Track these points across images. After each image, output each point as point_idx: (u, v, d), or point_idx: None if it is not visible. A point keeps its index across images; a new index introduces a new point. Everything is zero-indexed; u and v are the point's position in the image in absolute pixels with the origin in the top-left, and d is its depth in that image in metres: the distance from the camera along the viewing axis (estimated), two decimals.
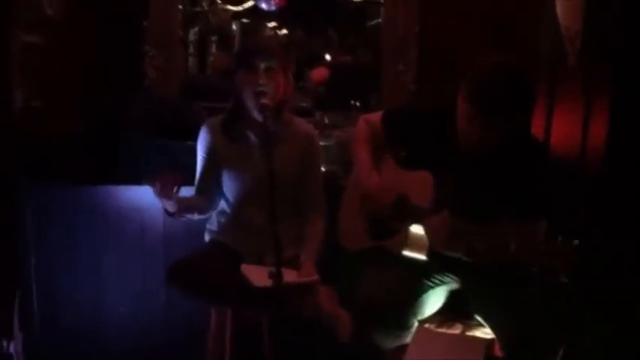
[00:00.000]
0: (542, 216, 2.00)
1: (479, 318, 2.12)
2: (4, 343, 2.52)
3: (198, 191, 2.40)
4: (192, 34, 4.08)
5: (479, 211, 1.99)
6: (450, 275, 2.19)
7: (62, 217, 2.64)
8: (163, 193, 2.11)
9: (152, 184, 2.09)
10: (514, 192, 2.01)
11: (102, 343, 2.70)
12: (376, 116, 2.34)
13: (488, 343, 2.04)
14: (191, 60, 4.09)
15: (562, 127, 2.66)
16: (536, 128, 2.75)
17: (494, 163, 2.05)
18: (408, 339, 2.07)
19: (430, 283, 2.17)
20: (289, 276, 1.83)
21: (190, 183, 2.39)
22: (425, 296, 2.14)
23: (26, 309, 2.63)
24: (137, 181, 2.60)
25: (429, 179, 2.10)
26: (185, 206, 2.28)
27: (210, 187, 2.40)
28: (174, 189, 2.11)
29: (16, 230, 2.61)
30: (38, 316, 2.66)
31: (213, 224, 2.45)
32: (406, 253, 2.12)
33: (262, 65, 2.20)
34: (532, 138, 2.22)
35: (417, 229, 2.11)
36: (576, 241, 1.79)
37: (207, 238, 2.46)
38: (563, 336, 1.96)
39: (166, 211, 2.26)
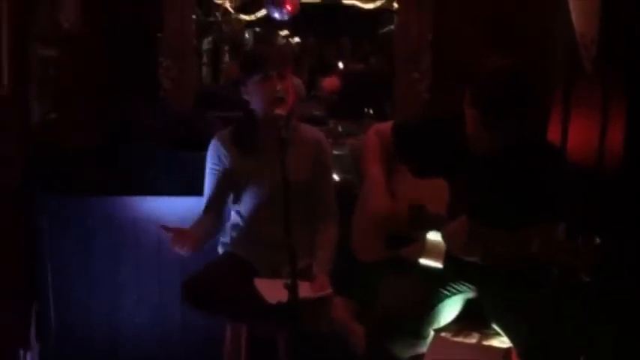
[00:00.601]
0: (558, 221, 1.98)
1: (495, 327, 2.10)
2: (21, 353, 2.53)
3: (208, 209, 2.37)
4: (206, 44, 4.12)
5: (495, 216, 1.97)
6: (466, 284, 2.18)
7: (78, 228, 2.66)
8: (179, 243, 2.16)
9: (170, 237, 2.14)
10: (529, 196, 2.00)
11: (117, 355, 2.70)
12: (387, 126, 2.33)
13: (505, 352, 2.02)
14: (205, 69, 4.13)
15: (579, 133, 2.64)
16: (553, 134, 2.73)
17: (507, 166, 2.04)
18: (424, 349, 2.05)
19: (446, 292, 2.15)
20: (303, 289, 1.82)
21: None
22: (441, 305, 2.12)
23: (43, 319, 2.65)
24: (153, 192, 2.62)
25: (444, 186, 2.09)
26: (200, 242, 2.27)
27: (219, 203, 2.38)
28: (190, 241, 2.17)
29: (32, 241, 2.63)
30: (55, 327, 2.68)
31: (226, 237, 2.44)
32: (423, 261, 2.11)
33: (274, 72, 2.20)
34: (547, 142, 2.23)
35: (434, 237, 2.10)
36: (597, 240, 1.76)
37: (220, 250, 2.45)
38: (583, 343, 1.94)
39: None
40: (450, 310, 2.15)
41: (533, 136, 2.11)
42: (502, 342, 2.08)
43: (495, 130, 1.96)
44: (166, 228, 2.14)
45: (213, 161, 2.36)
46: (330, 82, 4.72)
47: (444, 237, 2.03)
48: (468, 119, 2.01)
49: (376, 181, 2.23)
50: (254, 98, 2.25)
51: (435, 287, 2.13)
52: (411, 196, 2.18)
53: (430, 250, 2.11)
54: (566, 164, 2.18)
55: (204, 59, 4.42)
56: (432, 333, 2.09)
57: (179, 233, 2.16)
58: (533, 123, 2.21)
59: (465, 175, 2.06)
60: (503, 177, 2.05)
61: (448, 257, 2.09)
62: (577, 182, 2.22)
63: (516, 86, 1.92)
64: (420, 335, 2.06)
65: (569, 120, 2.70)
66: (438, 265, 2.11)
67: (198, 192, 2.40)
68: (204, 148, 2.42)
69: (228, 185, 2.36)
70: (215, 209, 2.38)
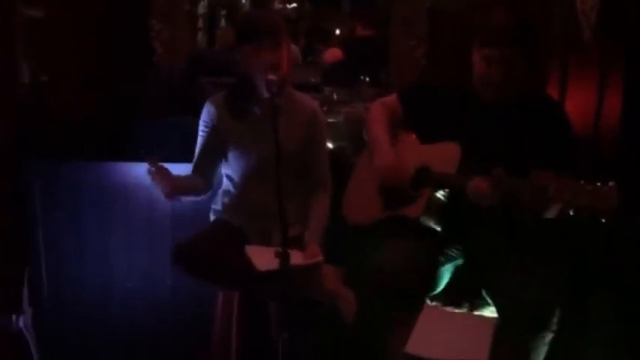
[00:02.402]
0: (567, 167, 1.98)
1: (484, 293, 2.11)
2: (14, 318, 2.53)
3: (196, 170, 2.37)
4: (202, 7, 4.04)
5: (507, 164, 1.96)
6: (459, 248, 2.18)
7: (69, 193, 2.64)
8: (158, 178, 2.12)
9: (150, 164, 2.10)
10: (537, 143, 2.05)
11: (110, 319, 2.71)
12: (391, 98, 2.34)
13: (496, 321, 2.02)
14: (200, 34, 4.05)
15: (576, 102, 2.62)
16: None
17: (514, 115, 2.09)
18: (416, 312, 2.04)
19: (442, 258, 2.15)
20: (294, 257, 1.81)
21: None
22: (435, 271, 2.12)
23: (35, 284, 2.64)
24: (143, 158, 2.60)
25: (454, 148, 2.10)
26: (179, 189, 2.24)
27: (208, 166, 2.37)
28: (169, 181, 2.13)
29: (23, 206, 2.62)
30: (47, 291, 2.68)
31: (217, 204, 2.43)
32: (424, 219, 2.10)
33: (268, 41, 2.16)
34: (548, 96, 2.30)
35: (437, 195, 2.10)
36: (612, 183, 1.73)
37: (212, 217, 2.44)
38: (568, 300, 1.95)
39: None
40: (443, 276, 2.16)
41: (535, 88, 2.17)
42: (492, 312, 2.08)
43: (506, 65, 2.02)
44: (150, 159, 2.10)
45: (204, 124, 2.35)
46: (332, 54, 4.66)
47: (468, 196, 2.01)
48: (476, 63, 2.08)
49: (382, 141, 2.23)
50: (248, 65, 2.22)
51: (430, 253, 2.13)
52: (417, 161, 2.18)
53: (432, 209, 2.10)
54: (567, 117, 2.17)
55: (200, 24, 4.33)
56: (425, 300, 2.09)
57: (161, 170, 2.13)
58: (534, 70, 2.24)
59: (475, 129, 2.09)
60: (512, 125, 2.09)
61: (447, 219, 2.09)
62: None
63: (523, 19, 2.05)
64: (413, 300, 2.06)
65: (566, 87, 2.67)
66: (438, 225, 2.11)
67: (190, 158, 2.39)
68: (196, 114, 2.39)
69: (219, 149, 2.35)
70: (203, 171, 2.37)
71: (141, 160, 2.15)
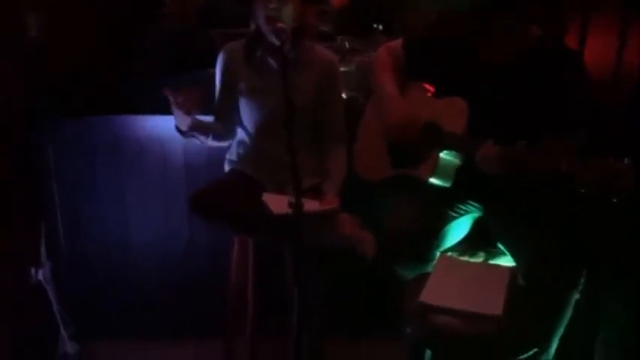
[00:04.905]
0: (577, 129, 1.93)
1: (501, 246, 2.10)
2: (33, 271, 2.58)
3: (218, 118, 2.37)
4: None
5: (515, 128, 1.92)
6: (474, 204, 2.16)
7: (82, 148, 2.64)
8: (183, 105, 2.10)
9: (172, 95, 2.08)
10: (547, 101, 1.96)
11: (126, 270, 2.75)
12: (397, 43, 2.26)
13: (512, 271, 2.01)
14: None
15: (595, 53, 2.55)
16: None
17: (525, 72, 1.99)
18: (430, 268, 2.05)
19: (454, 214, 2.14)
20: (309, 205, 1.80)
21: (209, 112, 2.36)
22: (448, 227, 2.11)
23: (52, 238, 2.67)
24: (156, 110, 2.59)
25: (461, 105, 2.04)
26: (199, 126, 2.25)
27: (229, 114, 2.36)
28: (195, 106, 2.11)
29: (37, 162, 2.62)
30: (64, 245, 2.72)
31: (232, 154, 2.43)
32: (433, 180, 2.08)
33: None
34: (565, 46, 2.15)
35: (446, 156, 2.07)
36: (627, 160, 1.64)
37: (226, 168, 2.44)
38: (586, 266, 1.92)
39: (177, 128, 2.24)
40: (457, 231, 2.15)
41: (548, 41, 2.04)
42: (508, 261, 2.07)
43: (506, 29, 1.95)
44: (174, 92, 2.09)
45: (221, 72, 2.34)
46: None
47: (477, 163, 1.96)
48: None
49: (391, 93, 2.17)
50: (259, 15, 2.19)
51: (442, 209, 2.12)
52: (425, 116, 2.12)
53: (441, 170, 2.07)
54: (585, 69, 2.07)
55: None
56: (438, 254, 2.09)
57: (186, 92, 2.11)
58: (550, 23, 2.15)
59: (482, 89, 2.01)
60: (523, 84, 1.99)
61: (458, 177, 2.07)
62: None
63: None
64: (426, 259, 2.07)
65: (585, 39, 2.59)
66: (447, 184, 2.09)
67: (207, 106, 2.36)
68: (207, 67, 2.37)
69: (235, 97, 2.34)
70: (224, 116, 2.37)
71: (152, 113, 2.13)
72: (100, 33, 3.11)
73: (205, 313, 2.73)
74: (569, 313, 1.89)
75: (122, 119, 2.64)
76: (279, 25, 2.04)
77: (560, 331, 1.90)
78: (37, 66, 2.60)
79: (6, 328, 2.43)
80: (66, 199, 2.67)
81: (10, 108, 2.47)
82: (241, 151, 2.39)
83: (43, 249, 2.62)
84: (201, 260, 2.73)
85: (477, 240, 2.17)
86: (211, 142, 2.35)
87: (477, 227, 2.18)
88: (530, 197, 2.02)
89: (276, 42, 2.12)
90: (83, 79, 2.72)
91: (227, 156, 2.45)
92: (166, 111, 2.18)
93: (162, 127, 2.59)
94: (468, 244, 2.16)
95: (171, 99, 2.10)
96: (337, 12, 4.21)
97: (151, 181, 2.68)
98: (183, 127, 2.21)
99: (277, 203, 2.02)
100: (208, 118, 2.37)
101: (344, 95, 2.57)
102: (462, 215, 2.15)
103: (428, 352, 2.03)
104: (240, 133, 2.40)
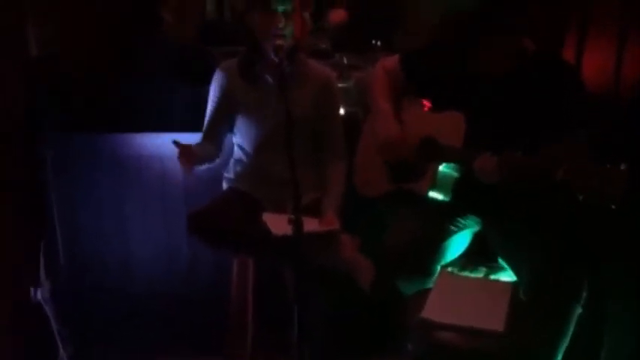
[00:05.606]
0: (577, 130, 1.94)
1: (501, 260, 2.09)
2: (32, 291, 2.56)
3: (206, 137, 2.37)
4: None
5: (513, 139, 1.93)
6: (473, 217, 2.15)
7: (82, 165, 2.65)
8: (184, 162, 2.14)
9: (178, 149, 2.12)
10: (544, 111, 1.97)
11: (126, 289, 2.74)
12: (393, 59, 2.27)
13: (513, 287, 2.00)
14: (209, 3, 3.99)
15: (595, 61, 2.55)
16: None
17: (520, 83, 2.01)
18: (431, 284, 2.04)
19: (454, 228, 2.13)
20: (310, 225, 1.80)
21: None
22: (448, 242, 2.11)
23: (51, 257, 2.66)
24: (156, 128, 2.59)
25: (460, 119, 2.05)
26: (197, 161, 2.25)
27: (218, 133, 2.38)
28: (194, 163, 2.17)
29: (37, 179, 2.62)
30: (64, 264, 2.71)
31: (230, 173, 2.43)
32: (432, 194, 2.08)
33: (280, 7, 2.14)
34: (560, 58, 2.20)
35: (445, 169, 2.07)
36: (623, 166, 1.65)
37: (225, 186, 2.44)
38: (589, 278, 1.90)
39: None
40: (457, 245, 2.14)
41: (543, 54, 2.07)
42: (509, 276, 2.06)
43: (493, 46, 1.97)
44: (177, 143, 2.12)
45: (215, 90, 2.35)
46: (336, 14, 4.56)
47: (474, 172, 1.97)
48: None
49: (385, 112, 2.19)
50: (258, 31, 2.21)
51: (442, 223, 2.11)
52: (422, 132, 2.13)
53: (440, 183, 2.08)
54: (580, 79, 2.10)
55: None
56: (438, 269, 2.08)
57: (186, 148, 2.15)
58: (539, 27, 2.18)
59: (479, 101, 2.03)
60: (519, 95, 2.01)
61: (457, 190, 2.07)
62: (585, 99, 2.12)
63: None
64: (427, 273, 2.06)
65: (584, 46, 2.60)
66: (447, 197, 2.09)
67: (199, 128, 2.38)
68: (207, 83, 2.37)
69: (229, 116, 2.34)
70: (213, 138, 2.38)
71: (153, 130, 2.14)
72: (100, 51, 3.13)
73: (206, 331, 2.71)
74: (571, 327, 1.87)
75: (120, 136, 2.65)
76: (278, 42, 2.08)
77: (564, 346, 1.88)
78: (37, 81, 2.61)
79: (5, 347, 2.41)
80: (65, 217, 2.67)
81: (11, 121, 2.48)
82: (239, 169, 2.39)
83: (42, 269, 2.61)
84: (202, 276, 2.72)
85: (478, 255, 2.16)
86: (204, 167, 2.36)
87: (476, 242, 2.18)
88: (529, 203, 2.02)
89: (275, 59, 2.13)
90: (84, 96, 2.73)
91: (225, 174, 2.45)
92: (165, 129, 2.20)
93: (162, 144, 2.59)
94: (468, 259, 2.15)
95: (177, 153, 2.14)
96: (335, 29, 4.23)
97: (151, 198, 2.67)
98: (187, 172, 2.23)
99: (277, 223, 2.02)
100: (195, 138, 2.36)
101: (342, 111, 2.58)
102: (461, 229, 2.15)
103: None
104: (237, 152, 2.40)
